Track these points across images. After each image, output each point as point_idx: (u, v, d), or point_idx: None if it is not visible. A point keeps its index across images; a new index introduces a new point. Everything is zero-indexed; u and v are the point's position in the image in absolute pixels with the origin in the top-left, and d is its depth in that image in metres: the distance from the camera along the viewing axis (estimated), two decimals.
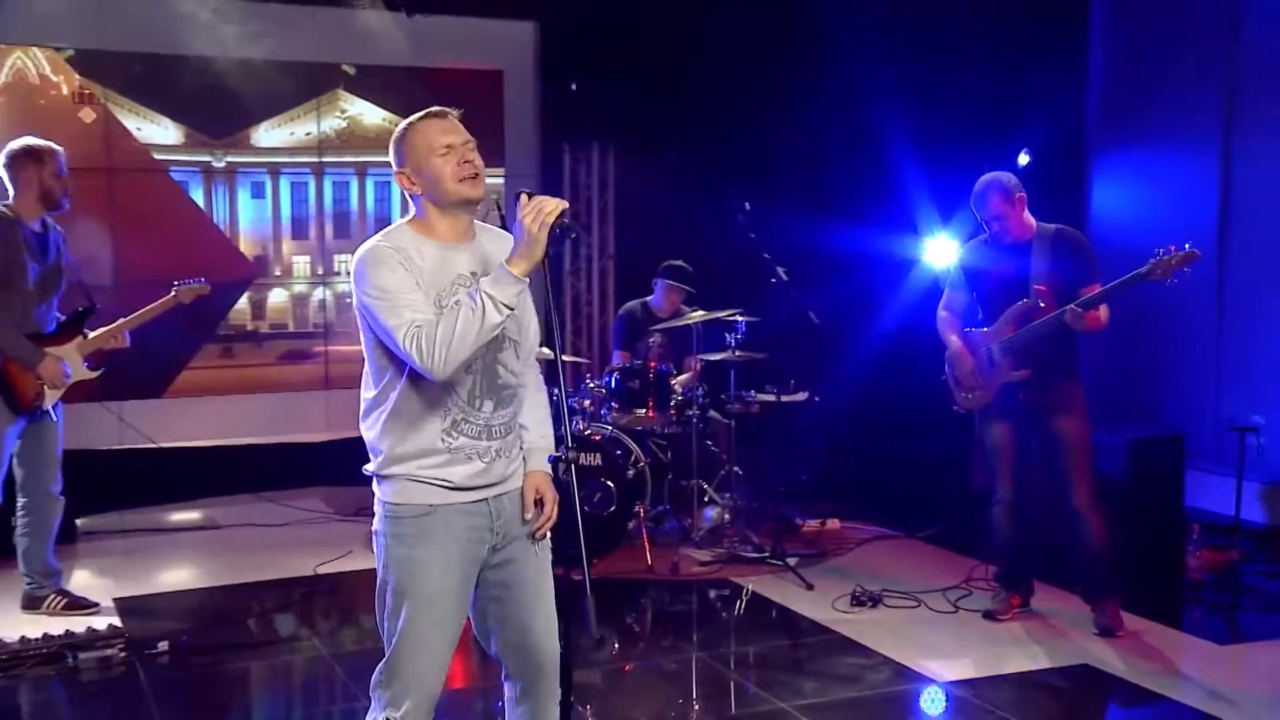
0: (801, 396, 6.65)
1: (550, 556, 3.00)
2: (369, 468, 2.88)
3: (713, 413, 6.51)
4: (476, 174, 2.79)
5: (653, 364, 6.23)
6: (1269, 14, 6.78)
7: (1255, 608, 5.41)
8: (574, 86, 7.90)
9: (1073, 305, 4.75)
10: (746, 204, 6.11)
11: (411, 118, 2.84)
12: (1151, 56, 7.51)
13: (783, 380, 6.68)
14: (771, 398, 6.37)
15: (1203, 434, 6.74)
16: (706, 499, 6.40)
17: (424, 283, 2.73)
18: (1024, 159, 7.64)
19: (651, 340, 6.28)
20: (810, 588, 5.66)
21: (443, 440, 2.79)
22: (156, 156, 7.61)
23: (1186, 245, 4.60)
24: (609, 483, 5.89)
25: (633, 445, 6.08)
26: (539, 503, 2.93)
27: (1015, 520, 5.16)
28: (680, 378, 6.44)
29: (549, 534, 2.98)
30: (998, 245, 5.08)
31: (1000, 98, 7.66)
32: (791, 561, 5.93)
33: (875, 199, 7.81)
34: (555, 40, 8.00)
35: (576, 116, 8.08)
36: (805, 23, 7.66)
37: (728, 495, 6.41)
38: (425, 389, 2.76)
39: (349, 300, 8.15)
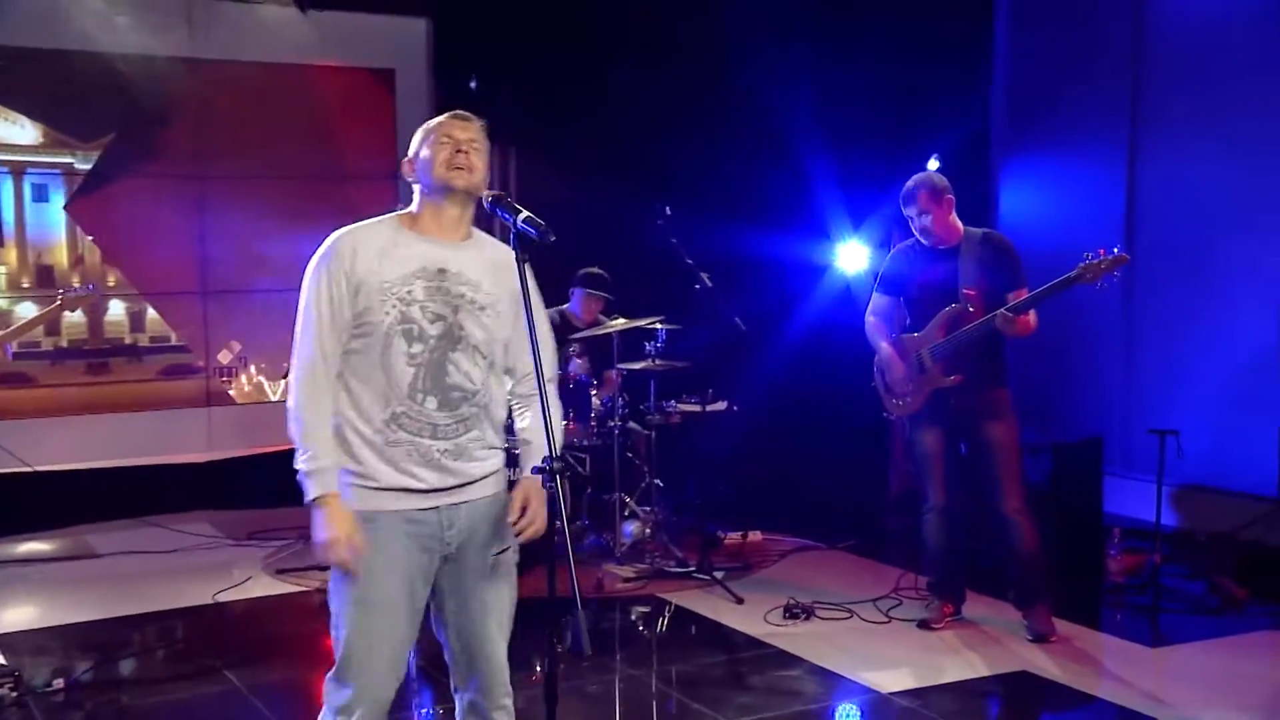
0: (721, 406, 6.68)
1: (512, 570, 3.07)
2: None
3: (632, 424, 6.51)
4: (464, 166, 2.90)
5: (573, 376, 6.19)
6: (1172, 19, 7.09)
7: (1177, 610, 5.63)
8: (473, 85, 7.79)
9: (1003, 310, 4.88)
10: (667, 208, 6.12)
11: (437, 119, 3.00)
12: (1056, 62, 7.80)
13: (702, 389, 6.72)
14: (694, 408, 6.38)
15: (1112, 438, 6.99)
16: (627, 513, 6.38)
17: (373, 271, 2.85)
18: (933, 165, 7.83)
19: (571, 350, 6.24)
20: (740, 601, 5.70)
21: (382, 432, 2.87)
22: (13, 158, 7.31)
23: (1115, 249, 4.77)
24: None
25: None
26: (524, 509, 2.96)
27: (947, 528, 5.27)
28: (601, 389, 6.41)
29: (514, 549, 3.04)
30: (925, 250, 5.19)
31: (908, 104, 7.87)
32: (718, 575, 5.95)
33: (786, 204, 7.93)
34: (451, 37, 7.90)
35: (475, 116, 7.96)
36: (714, 24, 7.73)
37: (649, 509, 6.40)
38: (365, 372, 2.87)
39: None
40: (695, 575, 6.01)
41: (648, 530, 6.38)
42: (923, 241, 5.16)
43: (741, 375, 7.07)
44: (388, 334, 2.85)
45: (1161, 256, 7.09)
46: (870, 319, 5.41)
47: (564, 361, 6.20)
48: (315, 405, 2.88)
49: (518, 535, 2.97)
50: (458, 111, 3.02)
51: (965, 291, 5.05)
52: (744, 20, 7.69)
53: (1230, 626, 5.40)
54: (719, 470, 6.97)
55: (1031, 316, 4.96)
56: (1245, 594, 5.63)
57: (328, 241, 2.92)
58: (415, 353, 2.86)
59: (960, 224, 5.14)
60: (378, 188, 8.03)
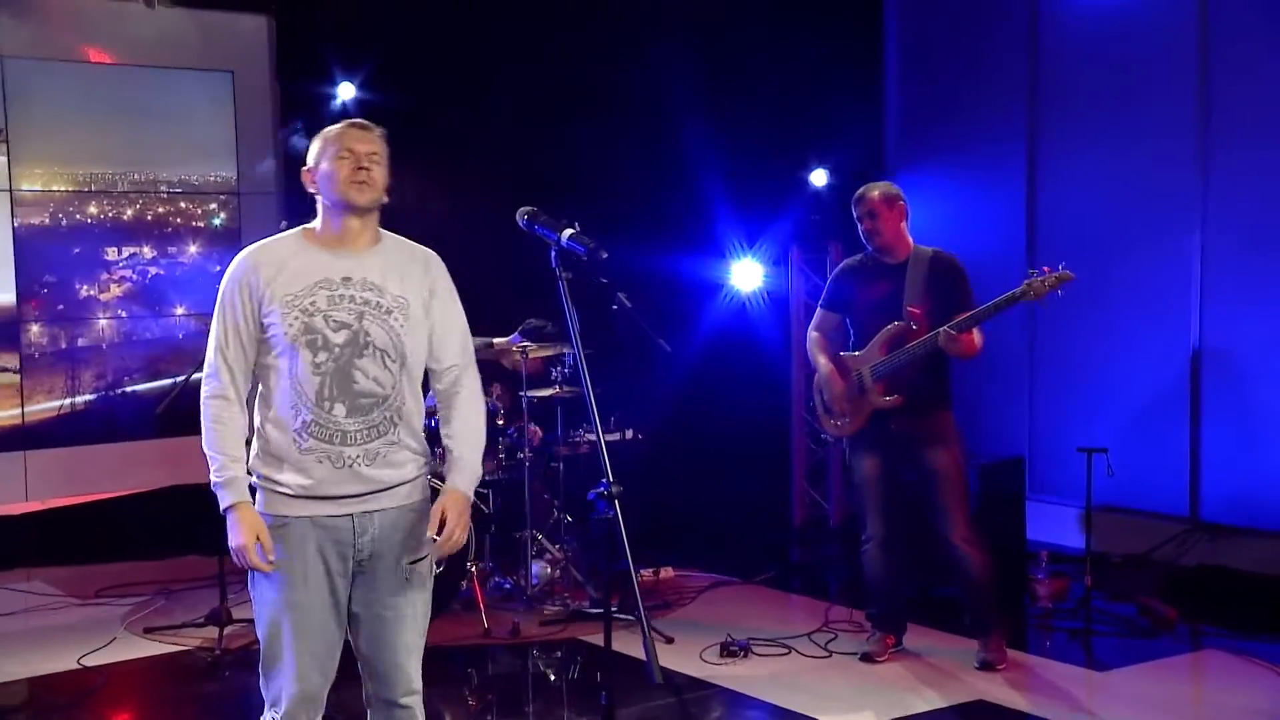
0: (625, 435, 6.71)
1: (427, 580, 3.29)
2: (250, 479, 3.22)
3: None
4: (365, 182, 3.15)
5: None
6: (1068, 35, 7.51)
7: (1111, 633, 5.93)
8: (332, 88, 7.60)
9: (946, 327, 5.04)
10: (575, 223, 6.10)
11: (339, 125, 3.24)
12: (951, 75, 8.18)
13: (603, 418, 6.71)
14: (615, 436, 6.40)
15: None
16: (536, 551, 6.33)
17: (277, 284, 3.11)
18: (822, 178, 8.06)
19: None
20: (670, 641, 5.74)
21: (294, 441, 3.11)
22: None
23: (1061, 266, 5.00)
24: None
25: None
26: (443, 523, 3.18)
27: (887, 557, 5.40)
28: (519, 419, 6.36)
29: (430, 560, 3.27)
30: (871, 266, 5.36)
31: (800, 120, 8.07)
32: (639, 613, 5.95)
33: (677, 220, 8.02)
34: (296, 37, 7.71)
35: (325, 121, 7.76)
36: (599, 31, 7.78)
37: (559, 546, 6.36)
38: (273, 382, 3.14)
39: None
40: (616, 615, 5.98)
41: (556, 571, 6.34)
42: (869, 245, 5.31)
43: (642, 401, 7.11)
44: (292, 345, 3.10)
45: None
46: (811, 334, 5.53)
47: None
48: (223, 418, 3.14)
49: (438, 551, 3.20)
50: (356, 120, 3.25)
51: (909, 309, 5.22)
52: (630, 29, 7.78)
53: (1166, 648, 5.73)
54: (626, 503, 6.96)
55: (976, 336, 5.14)
56: (1175, 615, 5.97)
57: (236, 259, 3.21)
58: (320, 361, 3.10)
59: (910, 240, 5.32)
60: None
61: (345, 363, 3.12)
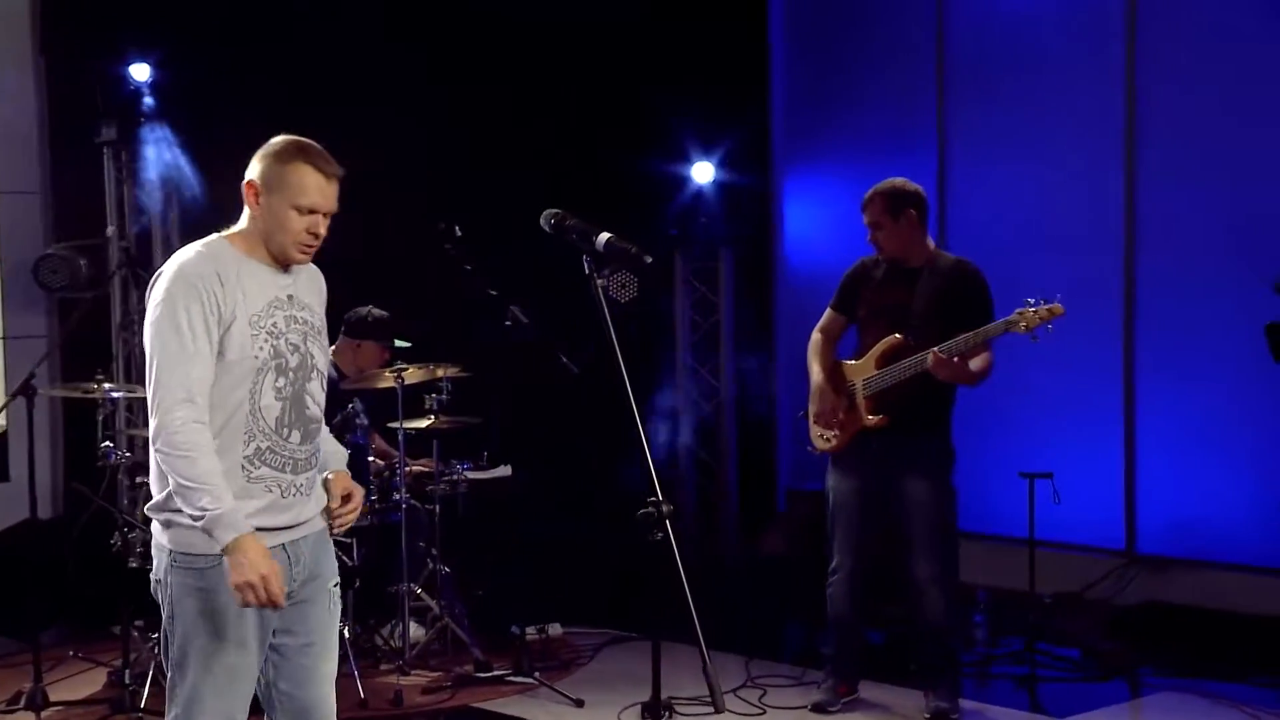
0: (506, 470, 6.61)
1: (339, 611, 3.52)
2: (150, 506, 3.25)
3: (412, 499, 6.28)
4: (312, 248, 3.30)
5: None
6: (980, 23, 7.75)
7: (1062, 678, 6.09)
8: (126, 71, 7.22)
9: (936, 349, 5.08)
10: (457, 229, 5.97)
11: (301, 145, 3.27)
12: (848, 62, 8.32)
13: (476, 452, 6.62)
14: (502, 472, 6.29)
15: None
16: (412, 607, 6.14)
17: (240, 304, 3.18)
18: (707, 172, 8.05)
19: (350, 406, 5.92)
20: (580, 704, 5.67)
21: (243, 469, 3.19)
22: None
23: (1058, 296, 5.06)
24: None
25: None
26: (346, 498, 3.44)
27: (854, 597, 5.43)
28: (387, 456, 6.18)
29: (338, 590, 3.48)
30: (884, 267, 5.39)
31: (682, 114, 8.06)
32: (538, 677, 5.87)
33: (528, 224, 7.87)
34: (72, 10, 7.37)
35: (123, 111, 7.40)
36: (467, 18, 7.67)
37: (439, 602, 6.19)
38: (228, 409, 3.18)
39: None
40: (509, 679, 5.89)
41: (431, 632, 6.19)
42: (887, 259, 5.34)
43: (527, 433, 7.01)
44: (261, 370, 3.20)
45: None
46: (814, 337, 5.54)
47: (351, 421, 5.89)
48: (205, 446, 3.14)
49: (337, 521, 3.42)
50: (321, 160, 3.25)
51: (912, 321, 5.25)
52: (498, 14, 7.68)
53: (1120, 693, 5.96)
54: (506, 551, 6.85)
55: (977, 362, 5.17)
56: (1122, 656, 6.18)
57: (181, 267, 3.18)
58: (281, 386, 3.24)
59: (932, 245, 5.39)
60: None
61: (299, 388, 3.28)
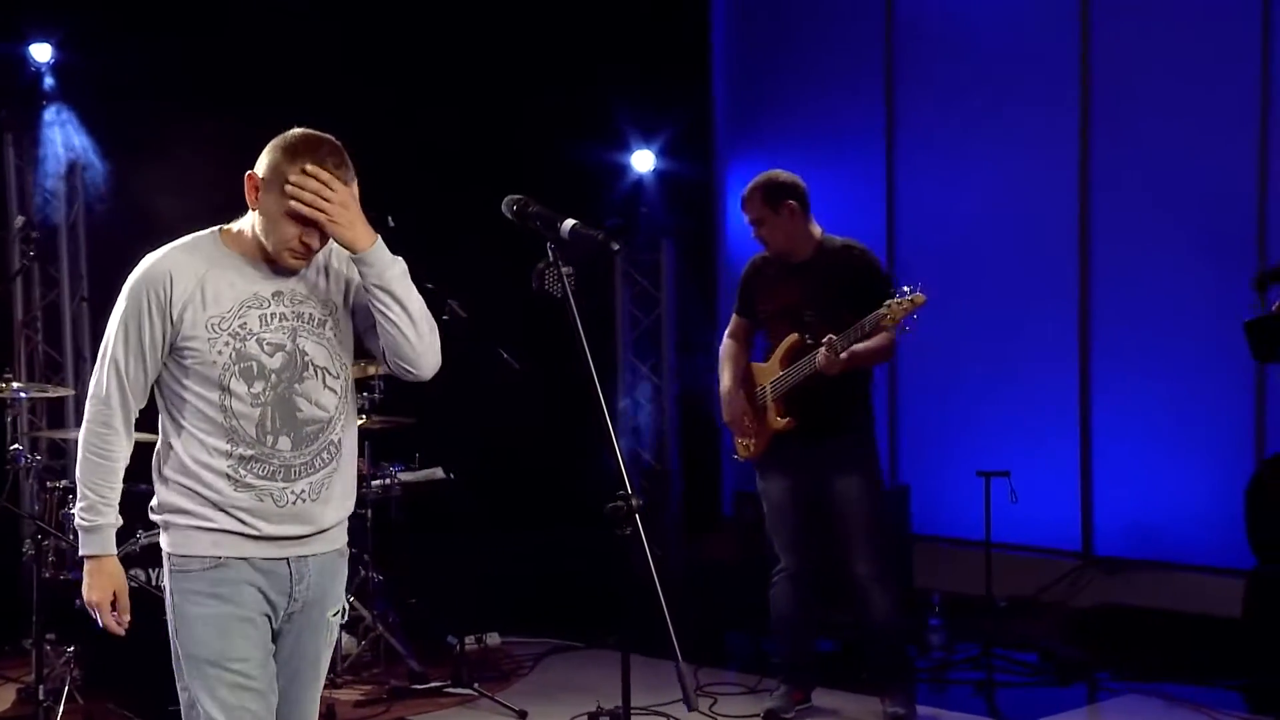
0: (438, 473, 6.55)
1: (334, 641, 3.44)
2: (150, 508, 3.20)
3: None
4: (303, 256, 3.12)
5: None
6: (925, 16, 7.82)
7: (1020, 683, 6.13)
8: (26, 51, 7.05)
9: (823, 347, 5.04)
10: (390, 219, 5.87)
11: (313, 142, 3.09)
12: (792, 49, 8.34)
13: (408, 454, 6.55)
14: (437, 474, 6.25)
15: None
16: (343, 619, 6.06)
17: (196, 305, 3.08)
18: (647, 160, 8.03)
19: None
20: (523, 716, 5.65)
21: (229, 477, 3.10)
22: None
23: (917, 286, 5.04)
24: None
25: None
26: None
27: (798, 596, 5.44)
28: None
29: (339, 620, 3.38)
30: (774, 265, 5.41)
31: (617, 100, 8.02)
32: (478, 688, 5.85)
33: (492, 211, 7.81)
34: None
35: (23, 94, 7.24)
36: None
37: (373, 611, 6.14)
38: (203, 415, 3.10)
39: None
40: (447, 690, 5.88)
41: (363, 643, 6.16)
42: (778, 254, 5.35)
43: (461, 434, 6.94)
44: (222, 375, 3.08)
45: (926, 276, 7.62)
46: (725, 343, 5.56)
47: None
48: (107, 451, 3.13)
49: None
50: (332, 161, 3.07)
51: (806, 317, 5.25)
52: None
53: (1080, 696, 6.02)
54: (441, 557, 6.80)
55: (870, 343, 5.09)
56: (1082, 659, 6.26)
57: (142, 266, 3.13)
58: (258, 392, 3.10)
59: (818, 233, 5.37)
60: None
61: (285, 390, 3.14)
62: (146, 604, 5.35)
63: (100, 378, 3.14)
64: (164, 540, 3.19)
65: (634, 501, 2.76)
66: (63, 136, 7.21)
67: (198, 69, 7.14)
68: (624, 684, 2.94)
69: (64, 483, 5.57)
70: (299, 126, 3.15)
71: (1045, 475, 7.23)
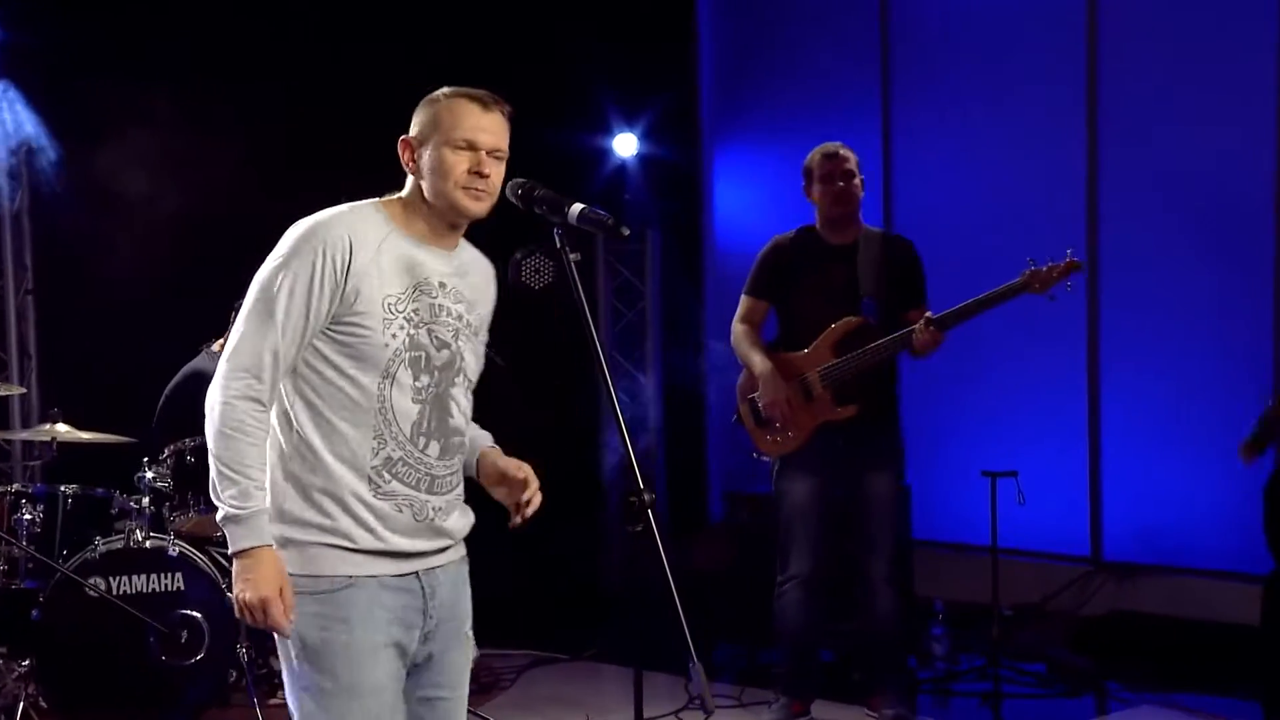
0: None
1: (472, 659, 3.31)
2: (271, 526, 2.96)
3: None
4: (483, 191, 3.01)
5: None
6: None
7: (1028, 695, 6.11)
8: None
9: (926, 322, 5.04)
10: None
11: (453, 89, 3.06)
12: (782, 23, 8.28)
13: None
14: None
15: None
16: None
17: (373, 279, 2.94)
18: (631, 144, 7.96)
19: None
20: None
21: (370, 481, 2.95)
22: None
23: (1068, 252, 5.09)
24: (198, 615, 5.40)
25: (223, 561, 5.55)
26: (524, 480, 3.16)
27: (808, 604, 5.38)
28: None
29: (472, 635, 3.25)
30: (816, 246, 5.34)
31: (604, 77, 7.94)
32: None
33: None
34: None
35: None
36: None
37: None
38: (353, 405, 2.94)
39: None
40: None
41: None
42: (832, 214, 5.28)
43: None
44: (392, 361, 2.94)
45: (935, 275, 7.60)
46: (739, 327, 5.46)
47: None
48: (254, 427, 2.89)
49: (527, 505, 3.14)
50: (476, 93, 3.04)
51: (864, 300, 5.26)
52: None
53: (1089, 707, 6.01)
54: None
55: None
56: (1092, 669, 6.26)
57: (309, 225, 2.96)
58: (422, 386, 2.98)
59: (860, 221, 5.39)
60: None
61: (443, 391, 3.04)
62: (111, 616, 5.38)
63: (248, 347, 2.90)
64: (284, 554, 2.95)
65: (647, 496, 2.71)
66: (13, 115, 7.10)
67: (153, 45, 7.04)
68: (636, 695, 2.84)
69: (15, 486, 5.49)
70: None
71: (1051, 477, 7.18)
